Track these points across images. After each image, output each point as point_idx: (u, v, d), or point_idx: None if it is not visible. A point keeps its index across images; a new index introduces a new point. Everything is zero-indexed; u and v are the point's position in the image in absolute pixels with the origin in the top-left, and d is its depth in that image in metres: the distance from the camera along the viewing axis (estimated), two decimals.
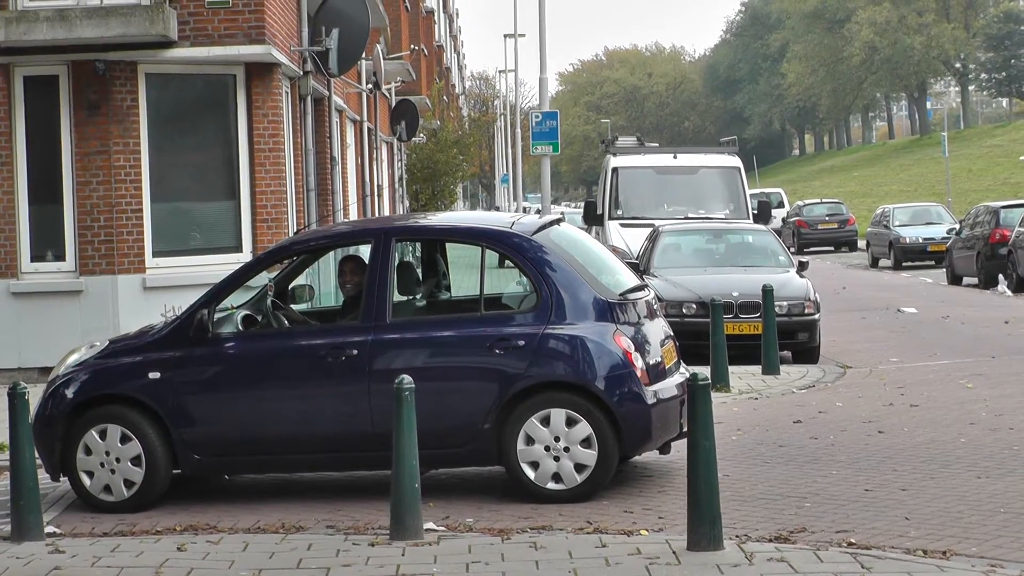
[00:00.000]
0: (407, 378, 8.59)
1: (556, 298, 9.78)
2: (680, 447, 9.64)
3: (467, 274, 12.64)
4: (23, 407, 8.92)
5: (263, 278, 10.83)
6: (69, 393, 10.12)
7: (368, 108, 29.74)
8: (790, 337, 17.63)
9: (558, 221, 10.79)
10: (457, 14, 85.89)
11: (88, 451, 9.99)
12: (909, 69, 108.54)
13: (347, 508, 9.69)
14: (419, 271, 11.17)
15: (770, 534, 8.45)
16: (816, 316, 17.92)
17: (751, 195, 27.12)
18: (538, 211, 35.90)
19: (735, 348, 16.37)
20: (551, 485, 9.65)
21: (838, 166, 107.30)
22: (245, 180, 17.26)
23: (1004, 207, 30.91)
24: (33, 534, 8.82)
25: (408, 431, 8.45)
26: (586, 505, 9.51)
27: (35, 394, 9.87)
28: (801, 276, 18.75)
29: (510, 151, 74.84)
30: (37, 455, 9.44)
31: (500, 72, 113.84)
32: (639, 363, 9.72)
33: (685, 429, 8.90)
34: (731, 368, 15.46)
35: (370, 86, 28.58)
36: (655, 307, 10.58)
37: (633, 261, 18.88)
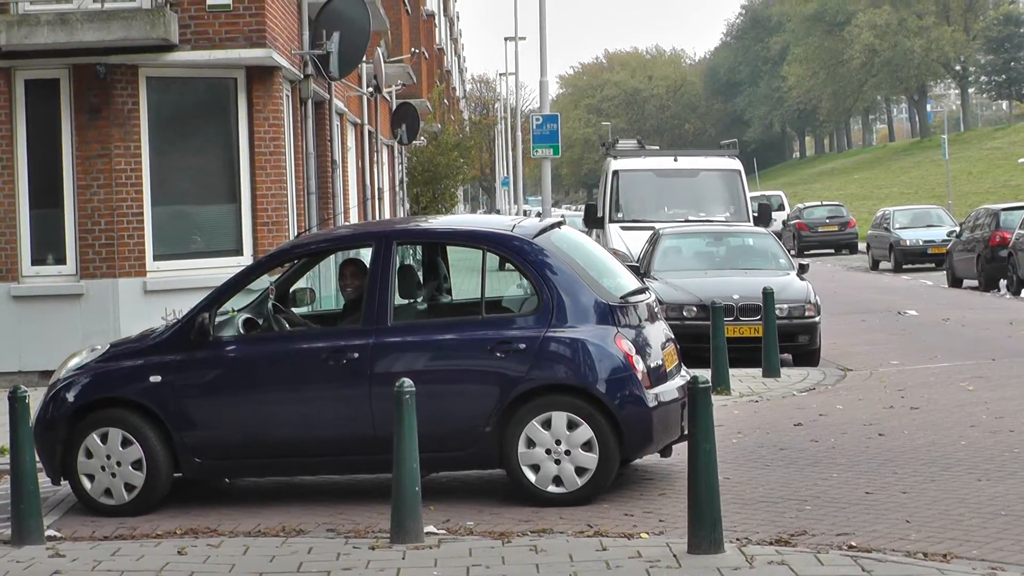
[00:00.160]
0: (407, 381, 8.59)
1: (557, 301, 9.78)
2: (681, 450, 9.64)
3: (468, 277, 12.65)
4: (23, 411, 8.93)
5: (264, 281, 10.83)
6: (70, 397, 10.12)
7: (369, 111, 29.74)
8: (790, 340, 17.63)
9: (559, 224, 10.80)
10: (458, 17, 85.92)
11: (89, 454, 9.99)
12: (909, 72, 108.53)
13: (348, 511, 9.69)
14: (420, 274, 11.18)
15: (770, 537, 8.45)
16: (816, 319, 17.93)
17: (751, 198, 27.13)
18: (538, 214, 35.91)
19: (735, 351, 16.37)
20: (552, 488, 9.65)
21: (838, 169, 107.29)
22: (246, 183, 17.27)
23: (1004, 209, 30.91)
24: (33, 538, 8.82)
25: (408, 434, 8.45)
26: (587, 508, 9.51)
27: (36, 398, 9.87)
28: (801, 279, 18.77)
29: (511, 154, 74.86)
30: (38, 459, 9.45)
31: (501, 75, 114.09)
32: (640, 366, 9.72)
33: (686, 432, 8.90)
34: (731, 371, 15.46)
35: (371, 89, 28.59)
36: (656, 310, 10.58)
37: (633, 264, 18.89)
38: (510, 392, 9.66)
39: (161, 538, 8.97)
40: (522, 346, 9.70)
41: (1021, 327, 21.37)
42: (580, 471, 9.64)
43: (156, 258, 16.79)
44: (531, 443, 9.64)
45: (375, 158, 32.00)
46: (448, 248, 11.32)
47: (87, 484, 10.00)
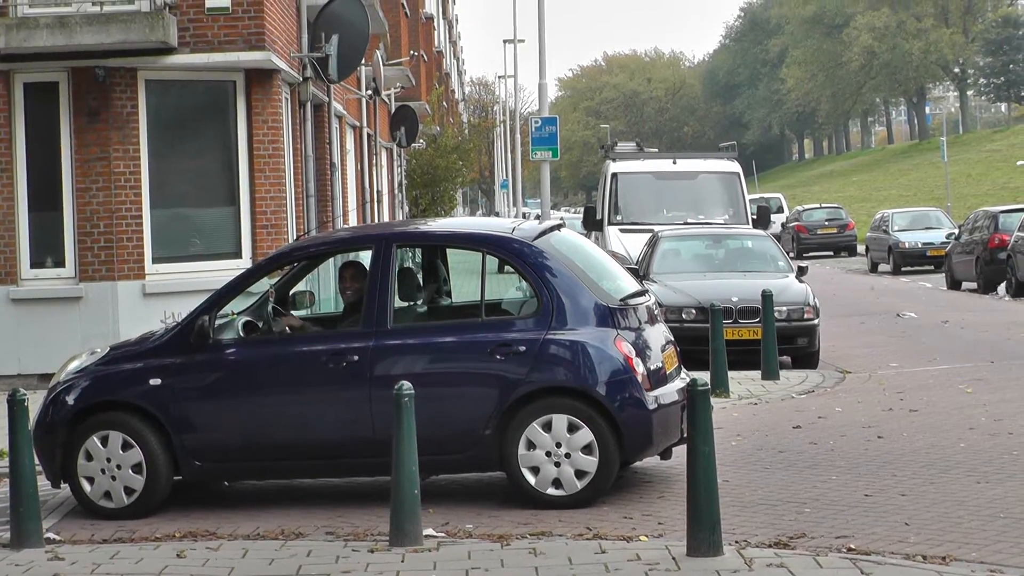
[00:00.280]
0: (407, 384, 8.60)
1: (557, 303, 9.79)
2: (680, 452, 9.64)
3: (468, 280, 12.64)
4: (22, 414, 8.93)
5: (264, 284, 10.83)
6: (70, 400, 10.12)
7: (368, 114, 29.75)
8: (789, 342, 17.64)
9: (559, 227, 10.80)
10: (456, 20, 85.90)
11: (89, 457, 9.99)
12: (908, 74, 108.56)
13: (347, 514, 9.69)
14: (420, 277, 11.18)
15: (770, 540, 8.45)
16: (815, 321, 17.93)
17: (750, 200, 27.13)
18: (537, 216, 35.92)
19: (734, 353, 16.36)
20: (552, 491, 9.66)
21: (837, 171, 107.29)
22: (245, 186, 17.27)
23: (1003, 212, 30.92)
24: (32, 541, 8.82)
25: (408, 437, 8.45)
26: (586, 511, 9.51)
27: (35, 401, 9.87)
28: (800, 281, 18.77)
29: (509, 156, 74.86)
30: (37, 462, 9.45)
31: (500, 78, 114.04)
32: (640, 368, 9.73)
33: (685, 434, 8.90)
34: (731, 373, 15.46)
35: (370, 92, 28.60)
36: (656, 312, 10.59)
37: (633, 266, 18.89)
38: (510, 395, 9.66)
39: (160, 541, 8.97)
40: (522, 348, 9.70)
41: (1019, 330, 21.37)
42: (580, 474, 9.64)
43: (155, 261, 16.79)
44: (531, 445, 9.64)
45: (374, 161, 32.00)
46: (448, 251, 11.32)
47: (87, 487, 10.00)
